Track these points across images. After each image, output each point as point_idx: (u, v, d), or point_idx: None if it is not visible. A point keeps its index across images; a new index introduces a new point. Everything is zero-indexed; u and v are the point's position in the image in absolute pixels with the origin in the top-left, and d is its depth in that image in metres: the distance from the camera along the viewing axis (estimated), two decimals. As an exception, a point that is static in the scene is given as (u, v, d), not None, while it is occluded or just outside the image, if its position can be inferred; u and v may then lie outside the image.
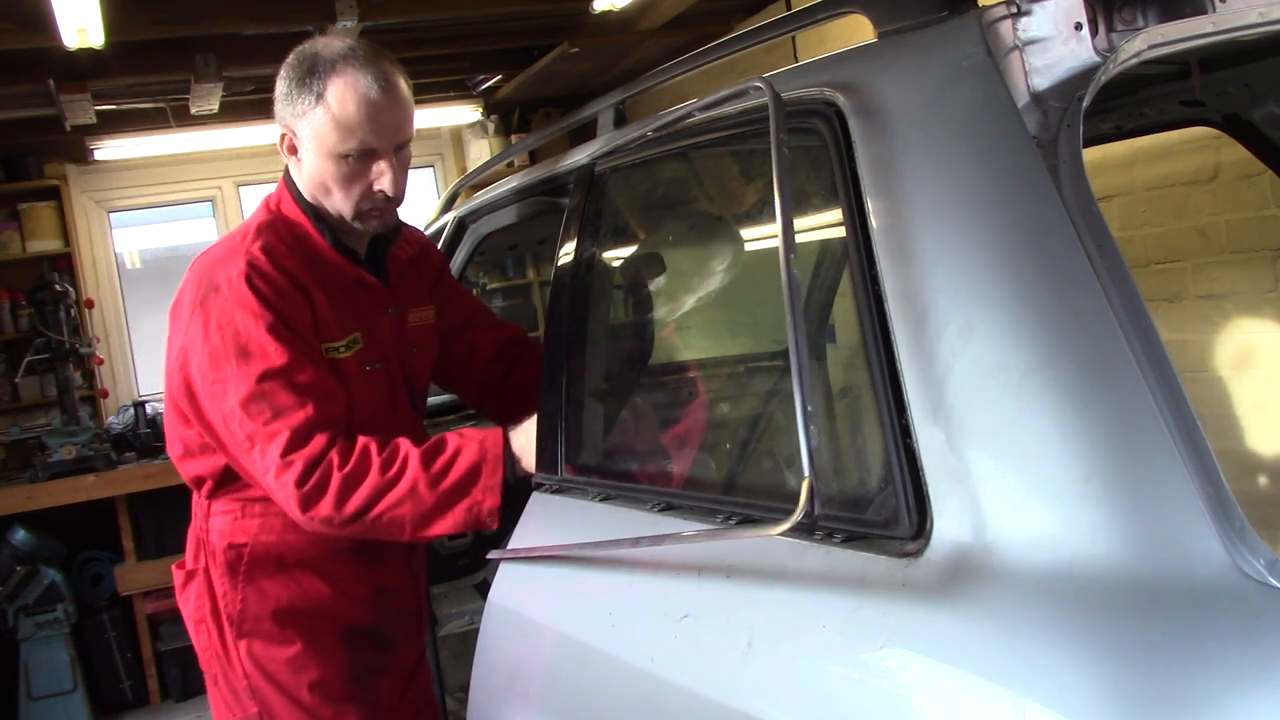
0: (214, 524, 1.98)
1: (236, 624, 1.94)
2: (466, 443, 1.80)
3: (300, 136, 1.89)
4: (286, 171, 1.99)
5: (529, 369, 2.19)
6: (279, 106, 1.90)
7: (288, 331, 1.82)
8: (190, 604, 2.01)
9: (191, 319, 1.85)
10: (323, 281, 1.92)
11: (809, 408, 1.09)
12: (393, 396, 2.02)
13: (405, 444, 1.79)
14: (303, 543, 1.93)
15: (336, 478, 1.75)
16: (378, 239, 2.04)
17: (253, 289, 1.81)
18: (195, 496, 2.04)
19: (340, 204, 1.91)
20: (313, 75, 1.83)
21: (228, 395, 1.80)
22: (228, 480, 1.94)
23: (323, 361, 1.87)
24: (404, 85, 1.88)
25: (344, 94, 1.81)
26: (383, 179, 1.87)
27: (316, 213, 1.95)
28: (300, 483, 1.75)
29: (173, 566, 2.08)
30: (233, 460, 1.88)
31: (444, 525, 1.80)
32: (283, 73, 1.89)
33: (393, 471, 1.76)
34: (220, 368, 1.81)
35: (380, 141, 1.85)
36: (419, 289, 2.17)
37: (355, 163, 1.86)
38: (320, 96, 1.82)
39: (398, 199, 1.93)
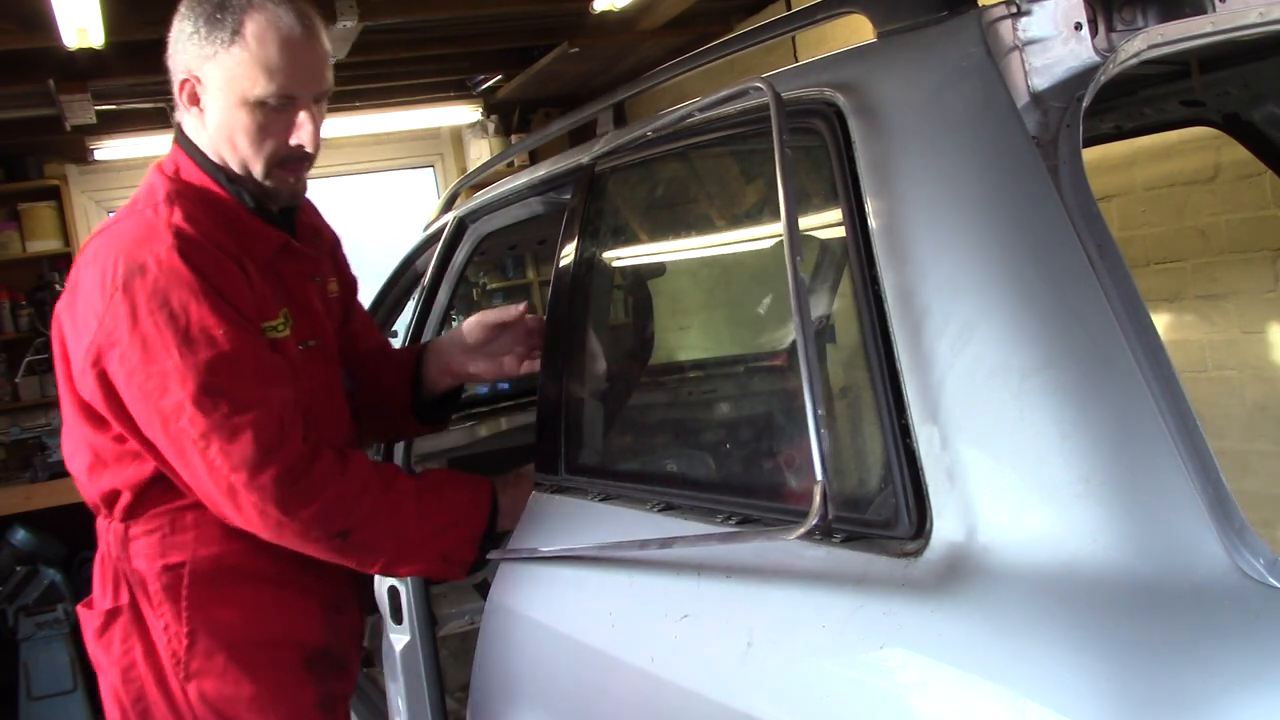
0: (137, 548, 1.71)
1: (184, 663, 1.69)
2: (458, 488, 1.72)
3: (207, 82, 1.68)
4: (179, 131, 1.77)
5: (383, 383, 2.02)
6: (178, 48, 1.70)
7: (233, 311, 1.60)
8: (115, 649, 1.74)
9: (109, 307, 1.59)
10: (249, 252, 1.70)
11: (820, 411, 1.08)
12: (329, 378, 1.82)
13: (399, 470, 1.69)
14: (245, 548, 1.69)
15: (331, 490, 1.60)
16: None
17: (189, 264, 1.58)
18: (104, 521, 1.76)
19: (250, 159, 1.69)
20: (225, 10, 1.64)
21: (170, 389, 1.56)
22: (150, 493, 1.69)
23: (268, 344, 1.67)
24: (323, 30, 1.71)
25: (264, 32, 1.63)
26: (302, 131, 1.68)
27: (226, 175, 1.72)
28: (282, 481, 1.56)
29: (78, 608, 1.82)
30: (170, 464, 1.63)
31: (414, 567, 1.71)
32: (184, 9, 1.69)
33: (392, 498, 1.64)
34: (157, 359, 1.56)
35: (303, 87, 1.67)
36: (324, 258, 1.94)
37: (272, 111, 1.66)
38: (236, 34, 1.63)
39: (314, 155, 1.74)
